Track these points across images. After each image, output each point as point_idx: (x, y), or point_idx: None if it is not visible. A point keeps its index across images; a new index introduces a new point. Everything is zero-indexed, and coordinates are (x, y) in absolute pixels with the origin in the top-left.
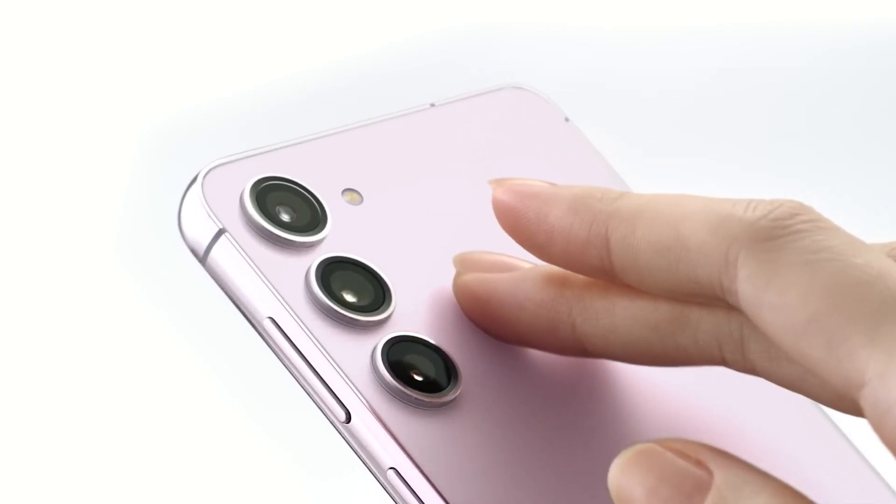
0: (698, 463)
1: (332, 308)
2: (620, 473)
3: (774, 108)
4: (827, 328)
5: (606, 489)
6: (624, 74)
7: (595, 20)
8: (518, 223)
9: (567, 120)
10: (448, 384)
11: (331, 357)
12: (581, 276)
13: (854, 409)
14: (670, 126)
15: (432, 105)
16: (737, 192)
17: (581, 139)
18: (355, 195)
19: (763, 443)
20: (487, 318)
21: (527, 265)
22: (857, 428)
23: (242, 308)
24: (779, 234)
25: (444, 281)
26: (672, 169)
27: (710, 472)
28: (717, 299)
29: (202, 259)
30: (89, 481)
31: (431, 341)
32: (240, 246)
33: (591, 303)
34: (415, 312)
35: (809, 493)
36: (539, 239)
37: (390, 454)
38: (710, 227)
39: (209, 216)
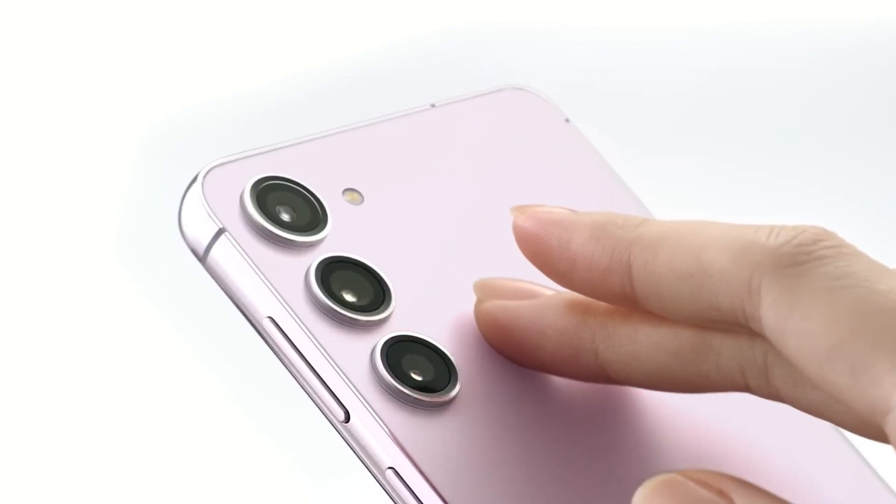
0: (720, 493)
1: (331, 308)
2: (644, 503)
3: (774, 108)
4: (851, 355)
5: (605, 490)
6: (624, 74)
7: (595, 20)
8: (540, 250)
9: (567, 121)
10: (447, 384)
11: (330, 357)
12: (603, 304)
13: (879, 435)
14: (670, 126)
15: (433, 106)
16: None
17: (581, 140)
18: (356, 195)
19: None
20: (509, 346)
21: (548, 292)
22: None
23: (242, 307)
24: (802, 261)
25: (443, 281)
26: (672, 169)
27: (732, 502)
28: (740, 326)
29: (202, 259)
30: (90, 481)
31: (430, 341)
32: (240, 245)
33: (613, 330)
34: (414, 312)
35: None
36: (561, 266)
37: (389, 454)
38: (733, 254)
39: (209, 216)
